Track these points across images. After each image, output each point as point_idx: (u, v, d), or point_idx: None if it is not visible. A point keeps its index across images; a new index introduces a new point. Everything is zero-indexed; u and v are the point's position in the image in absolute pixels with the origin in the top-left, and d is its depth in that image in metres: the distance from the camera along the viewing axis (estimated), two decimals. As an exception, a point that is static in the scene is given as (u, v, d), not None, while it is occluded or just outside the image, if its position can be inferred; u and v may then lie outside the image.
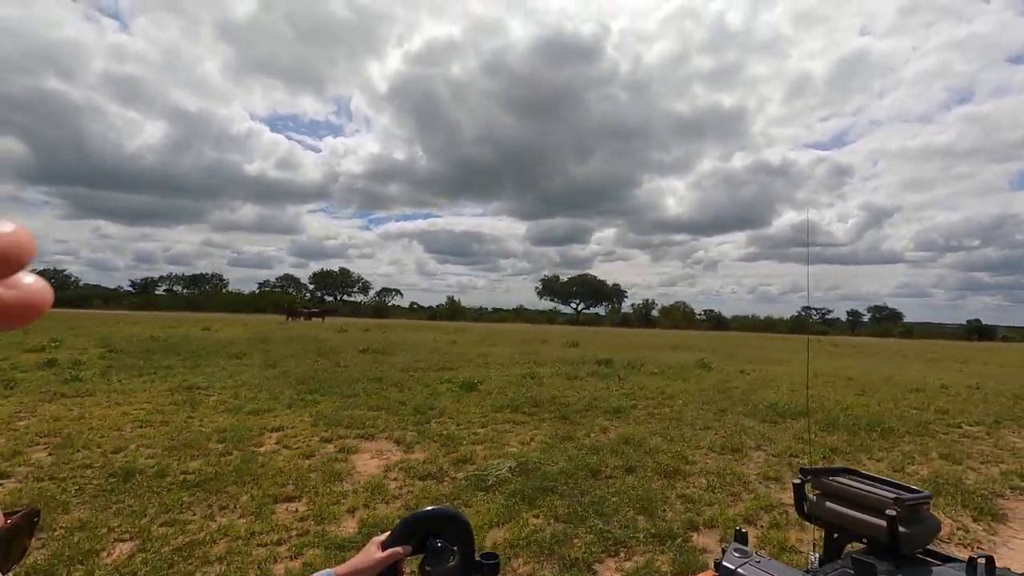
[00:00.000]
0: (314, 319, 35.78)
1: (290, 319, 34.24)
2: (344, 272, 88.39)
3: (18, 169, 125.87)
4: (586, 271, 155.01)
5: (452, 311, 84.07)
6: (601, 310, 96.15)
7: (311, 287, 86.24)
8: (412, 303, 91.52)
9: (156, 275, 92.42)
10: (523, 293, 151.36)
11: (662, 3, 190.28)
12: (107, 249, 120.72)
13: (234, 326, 26.69)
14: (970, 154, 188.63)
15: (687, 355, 19.32)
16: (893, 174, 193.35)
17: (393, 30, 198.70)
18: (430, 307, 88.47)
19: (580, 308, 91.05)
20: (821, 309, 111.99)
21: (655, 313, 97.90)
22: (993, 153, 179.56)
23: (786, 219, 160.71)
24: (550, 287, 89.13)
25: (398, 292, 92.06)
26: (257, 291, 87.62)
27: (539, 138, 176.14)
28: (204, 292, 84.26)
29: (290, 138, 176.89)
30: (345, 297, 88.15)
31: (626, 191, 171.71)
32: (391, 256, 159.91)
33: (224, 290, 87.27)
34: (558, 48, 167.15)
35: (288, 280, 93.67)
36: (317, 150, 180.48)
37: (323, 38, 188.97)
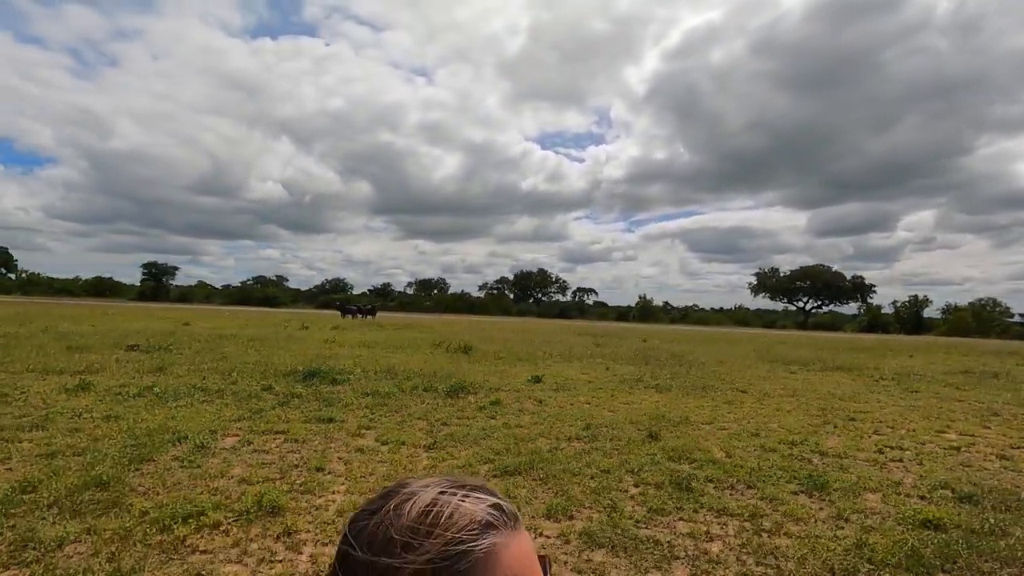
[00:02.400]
0: (367, 317, 34.97)
1: (345, 316, 34.02)
2: (542, 273, 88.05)
3: (368, 205, 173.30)
4: (892, 263, 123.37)
5: (644, 311, 75.65)
6: (851, 308, 74.02)
7: (514, 288, 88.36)
8: (603, 302, 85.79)
9: (408, 280, 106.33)
10: None
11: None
12: (423, 263, 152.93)
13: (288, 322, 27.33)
14: None
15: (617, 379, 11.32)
16: None
17: (649, 31, 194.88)
18: (625, 306, 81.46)
19: (809, 307, 71.80)
20: None
21: (934, 313, 70.97)
22: None
23: None
24: (765, 283, 72.41)
25: (593, 291, 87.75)
26: (474, 293, 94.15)
27: (822, 114, 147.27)
28: (428, 295, 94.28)
29: (557, 152, 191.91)
30: (543, 297, 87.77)
31: (949, 161, 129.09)
32: (653, 257, 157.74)
33: (446, 292, 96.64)
34: (844, 5, 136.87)
35: (503, 282, 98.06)
36: (581, 160, 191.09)
37: (584, 55, 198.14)
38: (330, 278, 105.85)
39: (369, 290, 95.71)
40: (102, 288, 77.13)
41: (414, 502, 0.52)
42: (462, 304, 78.62)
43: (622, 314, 76.56)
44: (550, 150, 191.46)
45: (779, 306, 76.71)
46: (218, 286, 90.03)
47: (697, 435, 6.23)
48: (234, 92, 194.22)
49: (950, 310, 70.84)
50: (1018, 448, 6.26)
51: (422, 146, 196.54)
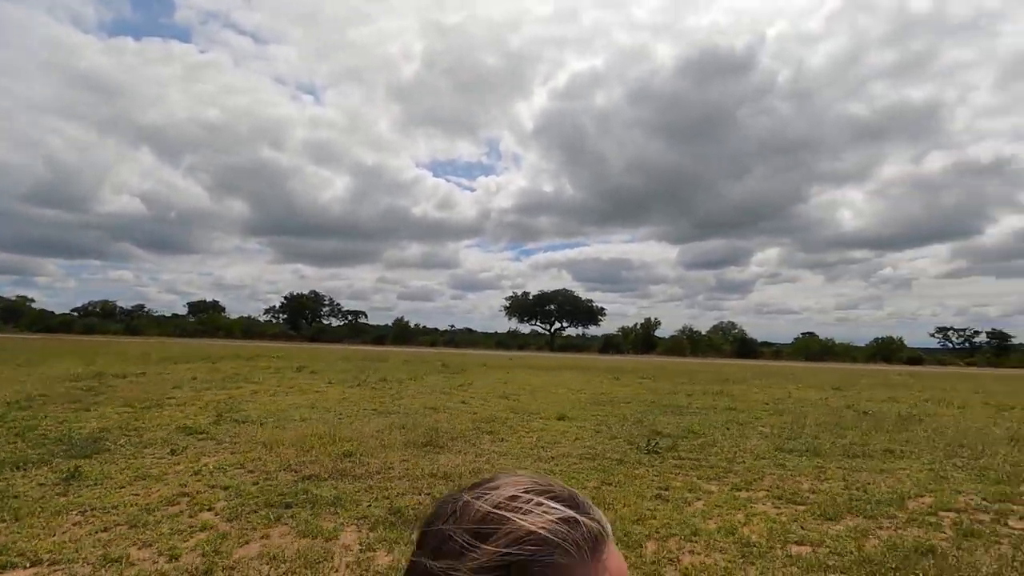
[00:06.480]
0: None
1: None
2: (315, 295, 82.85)
3: (243, 224, 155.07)
4: (747, 294, 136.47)
5: (401, 333, 72.94)
6: (597, 330, 76.14)
7: (282, 311, 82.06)
8: (374, 324, 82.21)
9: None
10: (674, 319, 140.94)
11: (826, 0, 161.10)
12: (305, 288, 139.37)
13: None
14: None
15: None
16: None
17: (539, 70, 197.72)
18: (387, 326, 78.36)
19: (555, 329, 73.08)
20: (964, 330, 77.94)
21: (674, 334, 74.81)
22: None
23: (1005, 226, 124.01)
24: (517, 305, 72.84)
25: (364, 314, 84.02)
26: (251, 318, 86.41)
27: (690, 160, 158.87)
28: (199, 319, 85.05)
29: (448, 180, 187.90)
30: (317, 319, 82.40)
31: (790, 207, 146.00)
32: (541, 285, 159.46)
33: (222, 313, 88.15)
34: (707, 66, 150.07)
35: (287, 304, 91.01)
36: (472, 189, 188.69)
37: (477, 86, 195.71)
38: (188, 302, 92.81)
39: (121, 309, 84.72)
40: None
41: (484, 502, 0.48)
42: (215, 328, 71.31)
43: (380, 336, 73.30)
44: (442, 178, 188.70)
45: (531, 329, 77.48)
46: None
47: None
48: (85, 93, 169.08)
49: (686, 332, 75.25)
50: None
51: (307, 165, 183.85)
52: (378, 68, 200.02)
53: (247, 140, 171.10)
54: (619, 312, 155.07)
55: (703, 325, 75.40)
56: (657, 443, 7.75)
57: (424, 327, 78.69)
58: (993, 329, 73.47)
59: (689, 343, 67.21)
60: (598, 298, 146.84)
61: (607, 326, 75.18)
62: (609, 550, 0.49)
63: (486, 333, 79.59)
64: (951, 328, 76.21)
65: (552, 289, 72.37)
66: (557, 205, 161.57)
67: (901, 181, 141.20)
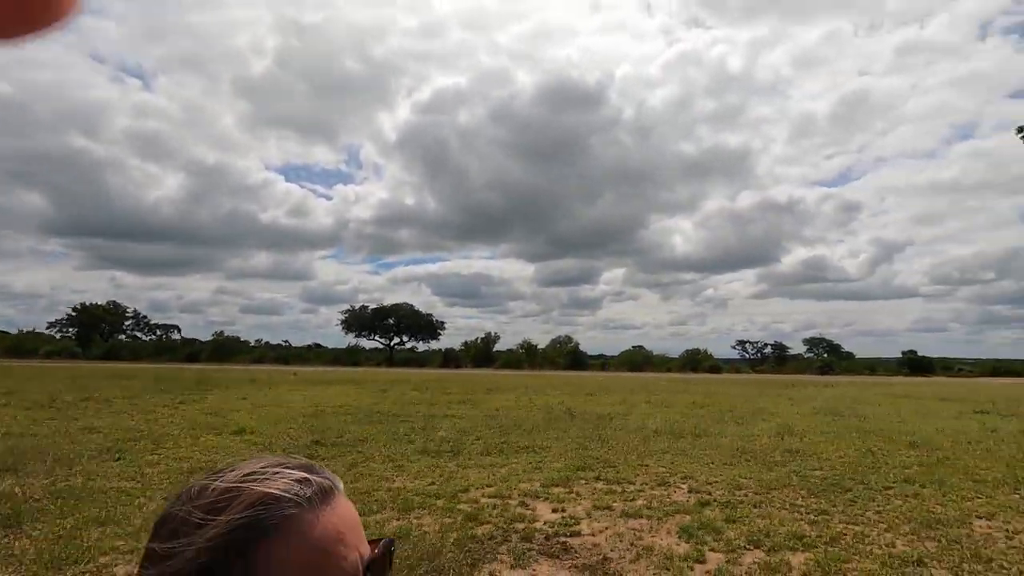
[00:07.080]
0: None
1: None
2: (114, 306, 71.99)
3: (40, 222, 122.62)
4: (596, 311, 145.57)
5: (219, 348, 66.30)
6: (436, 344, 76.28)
7: (71, 324, 69.80)
8: (192, 339, 73.89)
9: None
10: (529, 334, 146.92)
11: (663, 49, 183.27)
12: (123, 298, 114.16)
13: None
14: (978, 188, 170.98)
15: None
16: (902, 209, 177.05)
17: (403, 82, 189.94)
18: (203, 342, 70.86)
19: (394, 343, 71.93)
20: (757, 343, 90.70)
21: (507, 348, 77.65)
22: (1002, 187, 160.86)
23: (796, 256, 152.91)
24: (355, 319, 70.41)
25: (177, 328, 75.28)
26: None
27: (546, 182, 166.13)
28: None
29: (303, 187, 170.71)
30: (120, 335, 71.51)
31: (633, 231, 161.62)
32: (400, 299, 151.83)
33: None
34: (563, 96, 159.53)
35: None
36: (329, 198, 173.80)
37: (336, 91, 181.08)
38: None
39: None
40: None
41: (222, 480, 0.50)
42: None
43: (195, 353, 65.77)
44: (295, 183, 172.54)
45: (370, 344, 75.44)
46: None
47: None
48: None
49: (524, 346, 78.50)
50: None
51: (130, 158, 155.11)
52: (223, 59, 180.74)
53: (50, 123, 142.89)
54: (478, 327, 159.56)
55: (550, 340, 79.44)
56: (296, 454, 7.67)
57: (267, 342, 72.46)
58: (775, 342, 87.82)
59: (526, 356, 70.20)
60: (458, 313, 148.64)
61: (454, 341, 75.72)
62: (339, 500, 0.53)
63: (336, 348, 75.49)
64: (747, 341, 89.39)
65: (391, 303, 70.99)
66: (419, 218, 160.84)
67: (720, 214, 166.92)
